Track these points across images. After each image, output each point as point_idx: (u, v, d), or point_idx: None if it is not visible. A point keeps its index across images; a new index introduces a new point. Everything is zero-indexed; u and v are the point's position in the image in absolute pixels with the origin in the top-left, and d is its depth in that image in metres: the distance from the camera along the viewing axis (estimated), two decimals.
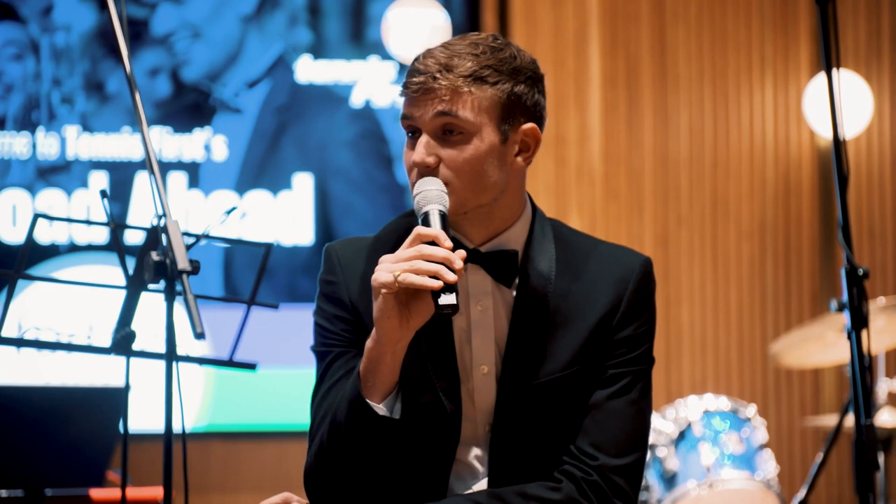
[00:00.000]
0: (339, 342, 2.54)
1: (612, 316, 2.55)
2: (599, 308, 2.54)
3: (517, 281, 2.55)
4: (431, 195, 2.45)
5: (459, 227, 2.54)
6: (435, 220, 2.43)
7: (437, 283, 2.35)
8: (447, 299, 2.35)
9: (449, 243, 2.38)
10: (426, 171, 2.47)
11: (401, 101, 2.53)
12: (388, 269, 2.37)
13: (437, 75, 2.46)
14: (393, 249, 2.46)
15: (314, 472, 2.51)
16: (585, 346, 2.53)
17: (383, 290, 2.37)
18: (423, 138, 2.48)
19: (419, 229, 2.40)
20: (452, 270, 2.36)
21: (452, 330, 2.53)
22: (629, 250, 2.63)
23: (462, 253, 2.40)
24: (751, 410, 5.28)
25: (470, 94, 2.47)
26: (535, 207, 2.60)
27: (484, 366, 2.54)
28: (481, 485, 2.54)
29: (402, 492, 2.51)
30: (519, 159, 2.53)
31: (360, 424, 2.42)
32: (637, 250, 2.63)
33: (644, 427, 2.58)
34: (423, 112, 2.48)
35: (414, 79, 2.49)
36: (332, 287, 2.57)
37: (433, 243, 2.38)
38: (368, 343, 2.42)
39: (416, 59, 2.51)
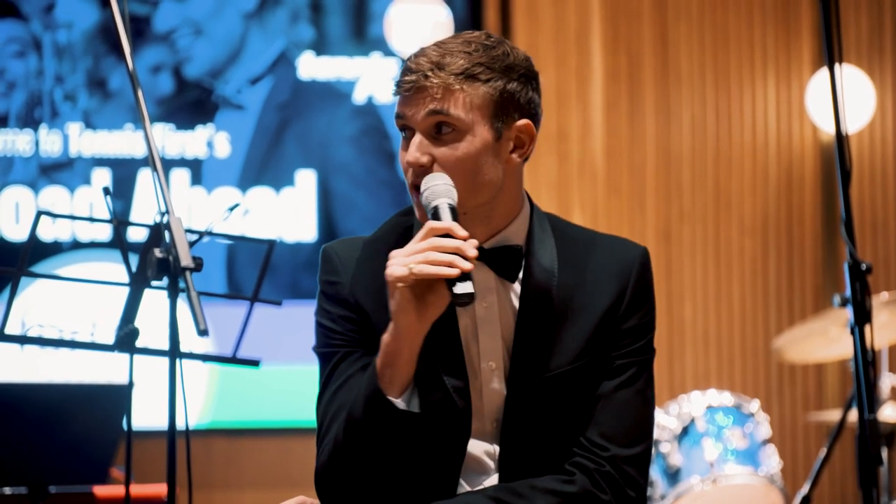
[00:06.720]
0: (344, 343, 2.53)
1: (617, 307, 2.56)
2: (604, 300, 2.54)
3: (521, 276, 2.55)
4: (439, 190, 2.45)
5: (462, 227, 2.54)
6: (445, 213, 2.42)
7: (452, 272, 2.35)
8: (463, 287, 2.35)
9: (463, 233, 2.39)
10: (420, 170, 2.47)
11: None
12: (401, 263, 2.37)
13: (429, 73, 2.46)
14: (393, 247, 2.46)
15: (328, 471, 2.50)
16: (592, 338, 2.54)
17: (399, 284, 2.37)
18: (417, 138, 2.48)
19: (431, 223, 2.40)
20: (467, 259, 2.36)
21: (458, 328, 2.53)
22: (627, 241, 2.64)
23: (474, 241, 2.39)
24: (754, 406, 5.28)
25: (462, 91, 2.47)
26: (532, 203, 2.61)
27: (491, 362, 2.54)
28: (492, 480, 2.54)
29: (413, 489, 2.51)
30: (514, 156, 2.53)
31: (378, 419, 2.41)
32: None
33: (650, 416, 2.60)
34: (415, 111, 2.48)
35: (406, 77, 2.49)
36: (336, 287, 2.56)
37: (447, 236, 2.38)
38: (385, 338, 2.41)
39: (409, 59, 2.51)
